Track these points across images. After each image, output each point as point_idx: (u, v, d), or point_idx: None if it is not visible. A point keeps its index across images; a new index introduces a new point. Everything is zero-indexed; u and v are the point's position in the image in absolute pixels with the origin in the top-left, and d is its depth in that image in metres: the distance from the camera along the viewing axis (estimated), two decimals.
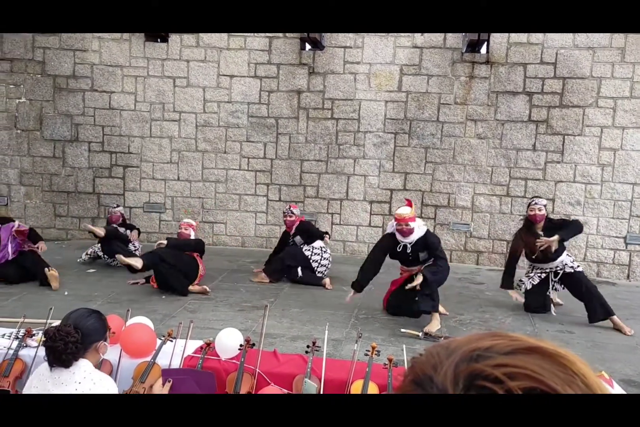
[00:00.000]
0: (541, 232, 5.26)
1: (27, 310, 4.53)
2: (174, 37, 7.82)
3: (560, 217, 6.55)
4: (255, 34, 7.69)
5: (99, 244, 6.74)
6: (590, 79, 7.14)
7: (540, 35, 7.18)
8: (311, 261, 6.26)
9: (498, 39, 7.25)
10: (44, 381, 2.43)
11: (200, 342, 3.61)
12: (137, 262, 5.42)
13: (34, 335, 3.62)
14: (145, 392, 3.13)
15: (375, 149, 7.69)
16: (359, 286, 5.13)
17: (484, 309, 5.56)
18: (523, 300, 5.42)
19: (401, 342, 4.15)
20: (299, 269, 6.22)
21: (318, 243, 6.41)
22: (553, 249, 5.18)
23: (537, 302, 5.41)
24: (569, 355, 0.55)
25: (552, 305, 5.43)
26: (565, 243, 5.35)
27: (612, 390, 3.16)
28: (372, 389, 3.09)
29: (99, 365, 3.02)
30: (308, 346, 3.43)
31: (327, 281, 6.19)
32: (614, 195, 7.24)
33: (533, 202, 5.34)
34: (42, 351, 3.40)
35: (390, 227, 5.20)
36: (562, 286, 5.40)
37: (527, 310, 5.46)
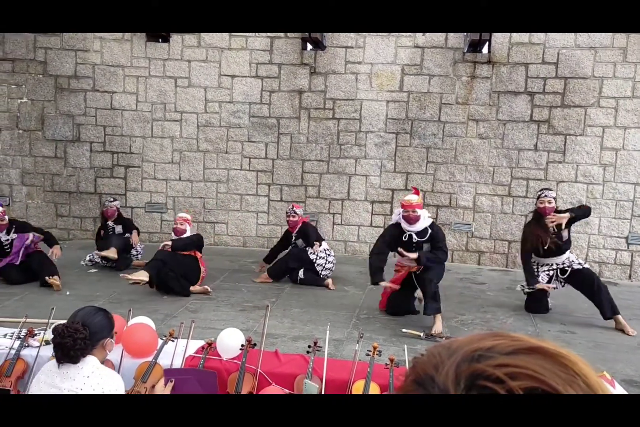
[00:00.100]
0: (552, 225, 5.22)
1: (28, 310, 4.54)
2: (175, 37, 7.82)
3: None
4: (257, 34, 7.69)
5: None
6: (592, 79, 7.14)
7: (542, 35, 7.17)
8: (316, 264, 6.19)
9: (500, 39, 7.25)
10: (51, 376, 2.48)
11: (201, 342, 3.61)
12: (144, 276, 5.38)
13: (35, 335, 3.63)
14: (146, 392, 3.13)
15: (376, 149, 7.69)
16: (377, 280, 5.01)
17: (486, 309, 5.56)
18: (556, 287, 5.22)
19: (403, 343, 4.15)
20: (301, 271, 6.19)
21: (322, 246, 6.33)
22: (563, 224, 5.11)
23: (538, 302, 5.41)
24: (571, 355, 0.55)
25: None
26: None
27: (614, 390, 3.16)
28: (374, 389, 3.09)
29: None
30: (309, 346, 3.43)
31: (329, 281, 6.18)
32: (615, 196, 7.23)
33: (543, 195, 5.26)
34: (43, 351, 3.42)
35: (396, 215, 5.13)
36: (564, 284, 5.34)
37: (528, 310, 5.46)
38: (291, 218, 6.37)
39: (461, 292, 6.15)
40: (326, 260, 6.25)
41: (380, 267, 5.01)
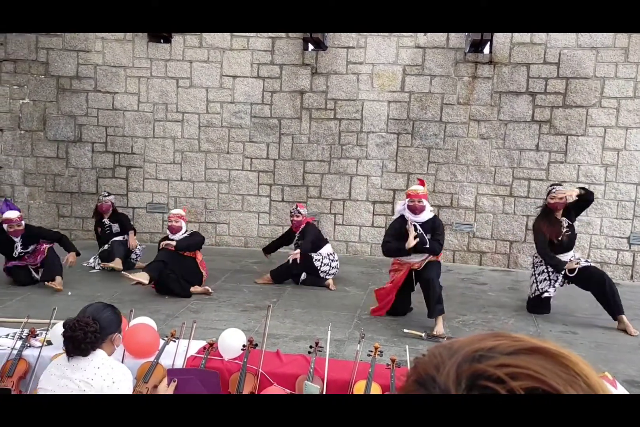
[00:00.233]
0: (563, 218, 5.19)
1: (30, 310, 4.55)
2: (177, 38, 7.83)
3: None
4: (258, 35, 7.70)
5: (99, 252, 6.70)
6: (594, 79, 7.13)
7: (543, 35, 7.16)
8: (320, 271, 6.14)
9: (501, 39, 7.24)
10: (61, 369, 2.55)
11: (203, 343, 3.62)
12: (144, 279, 5.34)
13: (37, 335, 3.63)
14: (148, 392, 3.14)
15: (378, 150, 7.69)
16: (406, 246, 4.88)
17: (487, 309, 5.56)
18: (579, 266, 5.13)
19: (404, 343, 4.14)
20: (304, 274, 6.17)
21: (326, 249, 6.27)
22: (574, 196, 5.10)
23: (540, 303, 5.39)
24: (572, 355, 0.55)
25: None
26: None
27: (616, 391, 3.15)
28: (375, 390, 3.09)
29: None
30: (311, 346, 3.43)
31: (330, 281, 6.17)
32: (617, 196, 7.22)
33: (554, 190, 5.21)
34: (45, 351, 3.42)
35: (401, 206, 5.10)
36: (563, 283, 5.30)
37: (529, 310, 5.45)
38: (295, 218, 6.30)
39: (462, 293, 6.15)
40: (330, 266, 6.19)
41: (399, 245, 4.91)
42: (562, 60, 7.17)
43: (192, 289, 5.67)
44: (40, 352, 3.42)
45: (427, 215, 4.98)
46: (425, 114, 7.53)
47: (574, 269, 5.05)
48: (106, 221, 6.81)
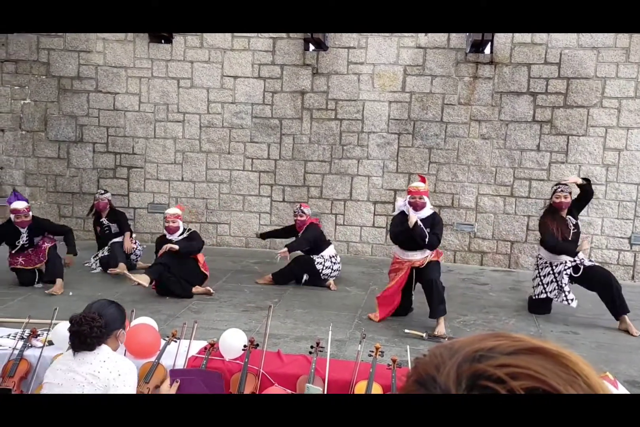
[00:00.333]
0: (568, 217, 5.18)
1: (32, 310, 4.56)
2: (178, 38, 7.84)
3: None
4: (259, 35, 7.70)
5: (99, 258, 6.66)
6: (595, 79, 7.13)
7: (544, 36, 7.16)
8: (321, 274, 6.12)
9: (502, 39, 7.24)
10: (67, 363, 2.59)
11: (204, 343, 3.62)
12: (144, 281, 5.31)
13: (38, 335, 3.64)
14: (149, 392, 3.14)
15: (378, 150, 7.69)
16: (412, 222, 4.83)
17: (488, 309, 5.55)
18: (590, 244, 5.07)
19: (405, 343, 4.14)
20: (305, 275, 6.17)
21: (328, 252, 6.24)
22: (577, 180, 5.16)
23: (542, 304, 5.39)
24: (572, 356, 0.55)
25: None
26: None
27: (617, 391, 3.15)
28: (376, 390, 3.09)
29: None
30: (312, 347, 3.43)
31: (331, 282, 6.17)
32: (618, 196, 7.22)
33: (559, 189, 5.19)
34: (46, 351, 3.42)
35: (402, 201, 5.08)
36: (572, 282, 5.27)
37: (530, 311, 5.45)
38: (299, 218, 6.26)
39: (463, 293, 6.14)
40: (331, 269, 6.18)
41: (402, 228, 4.88)
42: (563, 61, 7.16)
43: (194, 289, 5.67)
44: (41, 353, 3.42)
45: (427, 211, 4.98)
46: (426, 114, 7.53)
47: (587, 248, 5.00)
48: (104, 220, 6.75)
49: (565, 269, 5.19)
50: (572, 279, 5.23)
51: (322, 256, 6.17)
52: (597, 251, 7.32)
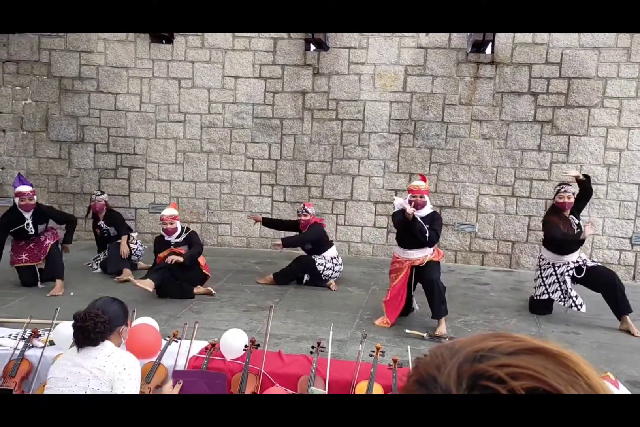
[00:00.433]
0: (571, 217, 5.17)
1: (33, 310, 4.56)
2: (179, 39, 7.84)
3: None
4: (260, 35, 7.71)
5: (100, 259, 6.63)
6: (596, 79, 7.12)
7: (545, 36, 7.16)
8: (322, 275, 6.12)
9: (503, 39, 7.24)
10: (72, 359, 2.63)
11: (205, 343, 3.62)
12: (149, 286, 5.28)
13: (40, 335, 3.64)
14: (150, 393, 3.14)
15: (379, 150, 7.69)
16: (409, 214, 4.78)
17: (489, 310, 5.55)
18: (594, 227, 5.00)
19: (406, 343, 4.14)
20: (306, 275, 6.17)
21: (330, 253, 6.23)
22: (578, 174, 5.19)
23: (543, 304, 5.39)
24: (573, 356, 0.55)
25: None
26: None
27: (618, 391, 3.15)
28: (377, 390, 3.09)
29: None
30: (313, 347, 3.43)
31: (332, 282, 6.17)
32: (619, 196, 7.21)
33: (562, 190, 5.17)
34: (48, 352, 3.43)
35: (402, 199, 5.05)
36: (575, 283, 5.26)
37: (531, 311, 5.44)
38: (303, 217, 6.22)
39: (464, 293, 6.14)
40: (333, 270, 6.17)
41: (402, 218, 4.84)
42: (564, 61, 7.16)
43: (195, 289, 5.67)
44: (42, 353, 3.42)
45: (427, 210, 4.98)
46: (427, 114, 7.53)
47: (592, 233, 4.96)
48: (102, 224, 6.67)
49: (567, 270, 5.18)
50: (575, 280, 5.22)
51: (323, 256, 6.16)
52: (599, 251, 7.31)
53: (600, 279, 5.10)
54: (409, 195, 4.96)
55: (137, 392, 2.66)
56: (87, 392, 2.54)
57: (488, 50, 7.34)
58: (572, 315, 5.35)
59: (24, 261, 5.84)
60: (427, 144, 7.58)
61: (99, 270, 6.57)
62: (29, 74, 8.03)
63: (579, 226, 5.22)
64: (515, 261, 7.53)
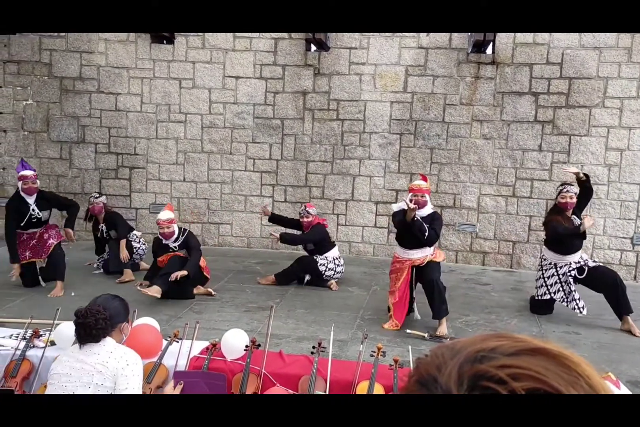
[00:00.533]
0: (574, 217, 5.16)
1: (34, 311, 4.56)
2: (179, 39, 7.84)
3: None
4: (261, 36, 7.71)
5: (102, 261, 6.61)
6: (597, 79, 7.12)
7: (546, 36, 7.16)
8: (324, 276, 6.11)
9: (504, 40, 7.24)
10: (74, 355, 2.64)
11: (206, 343, 3.62)
12: (157, 293, 5.23)
13: (41, 336, 3.64)
14: (151, 393, 3.14)
15: (380, 150, 7.69)
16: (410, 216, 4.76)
17: (490, 310, 5.55)
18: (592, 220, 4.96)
19: (407, 343, 4.14)
20: (307, 276, 6.16)
21: (332, 253, 6.21)
22: (579, 172, 5.21)
23: (544, 304, 5.38)
24: (574, 356, 0.55)
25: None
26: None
27: (619, 391, 3.15)
28: (378, 390, 3.09)
29: None
30: (314, 347, 3.43)
31: (333, 282, 6.17)
32: (620, 196, 7.21)
33: (565, 190, 5.15)
34: (49, 352, 3.43)
35: (402, 203, 5.03)
36: (576, 283, 5.25)
37: (532, 311, 5.44)
38: (305, 219, 6.17)
39: (465, 293, 6.14)
40: (334, 271, 6.16)
41: (402, 218, 4.82)
42: (565, 61, 7.16)
43: (195, 290, 5.67)
44: (43, 353, 3.42)
45: (427, 210, 4.97)
46: (428, 114, 7.53)
47: (590, 223, 4.92)
48: (102, 226, 6.61)
49: (570, 271, 5.17)
50: (577, 281, 5.22)
51: (325, 257, 6.16)
52: (600, 251, 7.31)
53: (601, 280, 5.09)
54: (410, 194, 4.95)
55: (140, 387, 2.67)
56: (91, 387, 2.55)
57: (489, 50, 7.34)
58: (573, 315, 5.34)
59: (27, 257, 5.81)
60: (428, 144, 7.58)
61: (101, 270, 6.56)
62: (30, 75, 8.03)
63: (585, 233, 5.19)
64: (516, 261, 7.53)
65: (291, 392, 3.18)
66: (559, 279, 5.21)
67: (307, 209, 6.22)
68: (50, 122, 8.10)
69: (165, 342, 3.52)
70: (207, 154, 8.00)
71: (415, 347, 4.05)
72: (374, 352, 3.38)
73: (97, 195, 6.64)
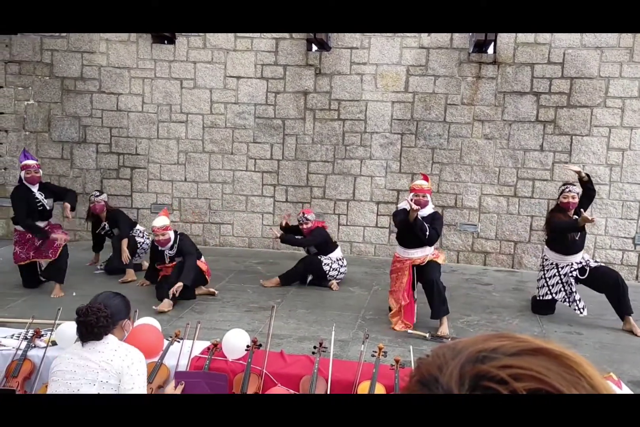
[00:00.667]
0: (575, 217, 5.16)
1: (35, 311, 4.57)
2: (180, 39, 7.85)
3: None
4: (262, 36, 7.71)
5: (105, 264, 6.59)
6: (598, 79, 7.11)
7: (547, 35, 7.15)
8: (328, 276, 6.11)
9: (505, 39, 7.23)
10: (77, 353, 2.63)
11: (207, 343, 3.62)
12: (169, 306, 5.16)
13: (42, 335, 3.64)
14: (152, 393, 3.14)
15: (381, 150, 7.69)
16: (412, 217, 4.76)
17: (491, 310, 5.54)
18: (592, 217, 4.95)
19: (408, 343, 4.14)
20: (309, 276, 6.16)
21: (335, 254, 6.21)
22: (580, 171, 5.20)
23: (546, 304, 5.38)
24: (576, 356, 0.55)
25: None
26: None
27: (621, 391, 3.14)
28: (379, 390, 3.08)
29: None
30: (315, 347, 3.43)
31: (333, 282, 6.17)
32: (622, 196, 7.20)
33: (567, 190, 5.15)
34: (50, 352, 3.43)
35: (405, 202, 5.03)
36: (577, 283, 5.25)
37: (534, 311, 5.44)
38: (304, 226, 6.14)
39: (467, 293, 6.14)
40: (338, 271, 6.17)
41: (403, 217, 4.82)
42: (566, 60, 7.15)
43: (197, 290, 5.67)
44: (45, 353, 3.43)
45: (428, 210, 4.98)
46: (429, 114, 7.53)
47: (591, 220, 4.87)
48: (105, 225, 6.61)
49: (571, 271, 5.17)
50: (578, 281, 5.21)
51: (329, 257, 6.17)
52: (601, 251, 7.30)
53: (603, 280, 5.09)
54: (412, 194, 4.95)
55: (145, 386, 2.68)
56: (96, 385, 2.55)
57: (490, 50, 7.34)
58: (574, 315, 5.33)
59: (30, 257, 5.78)
60: (429, 144, 7.57)
61: (103, 270, 6.56)
62: (32, 75, 8.04)
63: (583, 227, 5.19)
64: (518, 261, 7.52)
65: (292, 392, 3.17)
66: (561, 279, 5.20)
67: (305, 215, 6.17)
68: (51, 122, 8.11)
69: (166, 342, 3.52)
70: (208, 154, 8.01)
71: (416, 347, 4.04)
72: (375, 352, 3.38)
73: (98, 193, 6.61)
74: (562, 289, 5.19)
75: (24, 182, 5.76)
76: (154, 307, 5.12)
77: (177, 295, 5.23)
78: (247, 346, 3.39)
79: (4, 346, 3.58)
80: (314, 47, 7.71)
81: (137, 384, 2.57)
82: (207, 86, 7.88)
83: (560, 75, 7.19)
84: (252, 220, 8.06)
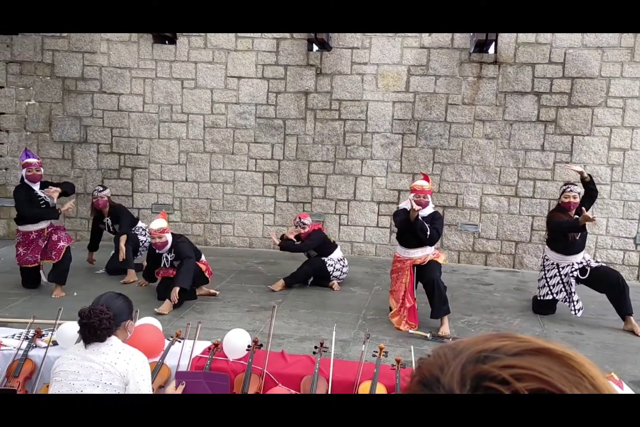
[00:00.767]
0: (576, 216, 5.15)
1: (36, 311, 4.57)
2: (181, 39, 7.85)
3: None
4: (263, 36, 7.71)
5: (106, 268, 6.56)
6: (599, 79, 7.11)
7: (548, 35, 7.14)
8: (332, 276, 6.12)
9: (506, 39, 7.23)
10: (80, 354, 2.63)
11: (208, 343, 3.62)
12: (170, 309, 5.16)
13: (43, 335, 3.64)
14: (153, 393, 3.14)
15: (382, 150, 7.68)
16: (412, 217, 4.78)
17: (493, 310, 5.54)
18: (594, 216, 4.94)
19: (409, 343, 4.14)
20: (312, 276, 6.16)
21: (336, 255, 6.21)
22: (582, 171, 5.20)
23: (547, 304, 5.37)
24: (577, 356, 0.55)
25: None
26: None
27: (622, 391, 3.14)
28: (380, 390, 3.08)
29: None
30: (316, 347, 3.43)
31: (334, 282, 6.17)
32: (623, 196, 7.19)
33: (568, 189, 5.14)
34: (51, 352, 3.43)
35: (406, 202, 5.02)
36: (578, 283, 5.24)
37: (535, 311, 5.43)
38: (302, 231, 6.12)
39: (468, 293, 6.13)
40: (341, 271, 6.18)
41: (404, 218, 4.82)
42: (567, 60, 7.14)
43: (198, 290, 5.67)
44: (46, 353, 3.43)
45: (429, 210, 4.98)
46: (430, 114, 7.52)
47: (592, 219, 4.84)
48: (108, 220, 6.59)
49: (572, 271, 5.16)
50: (579, 281, 5.21)
51: (331, 258, 6.17)
52: (602, 251, 7.30)
53: (604, 280, 5.08)
54: (412, 195, 4.95)
55: (151, 390, 2.68)
56: (100, 386, 2.55)
57: (491, 50, 7.33)
58: (575, 315, 5.33)
59: (37, 260, 5.75)
60: (430, 144, 7.57)
61: (104, 271, 6.56)
62: (32, 75, 8.04)
63: (584, 227, 5.18)
64: (519, 261, 7.51)
65: (293, 392, 3.17)
66: (561, 279, 5.20)
67: (302, 220, 6.16)
68: (52, 123, 8.12)
69: (167, 342, 3.53)
70: (209, 154, 8.01)
71: (417, 347, 4.04)
72: (376, 352, 3.37)
73: (101, 188, 6.59)
74: (563, 289, 5.19)
75: (26, 180, 5.77)
76: (155, 309, 5.12)
77: (177, 301, 5.20)
78: (248, 346, 3.39)
79: (5, 345, 3.58)
80: (315, 47, 7.71)
81: (142, 391, 2.58)
82: (208, 86, 7.88)
83: (561, 75, 7.18)
84: (253, 220, 8.06)
